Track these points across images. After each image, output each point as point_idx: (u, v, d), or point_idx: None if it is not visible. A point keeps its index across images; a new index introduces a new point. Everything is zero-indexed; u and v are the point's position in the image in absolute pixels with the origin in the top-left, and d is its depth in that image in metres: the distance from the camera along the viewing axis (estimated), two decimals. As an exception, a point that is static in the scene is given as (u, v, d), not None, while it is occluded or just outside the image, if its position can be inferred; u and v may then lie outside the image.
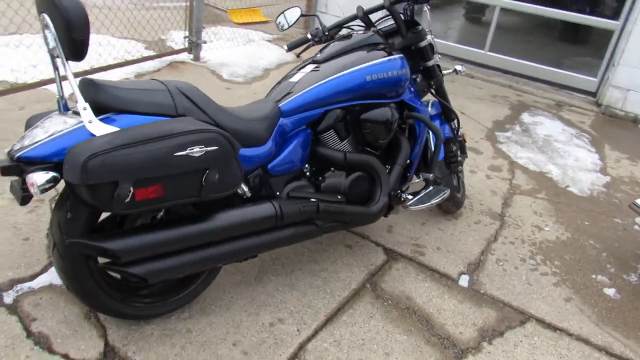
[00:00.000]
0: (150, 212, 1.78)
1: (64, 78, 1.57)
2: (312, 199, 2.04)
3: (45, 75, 3.77)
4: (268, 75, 4.90)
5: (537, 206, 3.20)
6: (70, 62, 1.56)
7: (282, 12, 2.46)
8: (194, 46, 4.83)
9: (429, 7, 2.49)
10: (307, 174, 2.14)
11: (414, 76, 2.54)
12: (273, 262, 2.38)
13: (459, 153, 2.78)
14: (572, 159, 3.97)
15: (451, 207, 2.83)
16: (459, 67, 2.69)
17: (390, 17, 2.38)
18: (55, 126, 1.56)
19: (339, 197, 2.15)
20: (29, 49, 4.28)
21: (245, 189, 1.89)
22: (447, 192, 2.43)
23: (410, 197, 2.35)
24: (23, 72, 3.98)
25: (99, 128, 1.53)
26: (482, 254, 2.66)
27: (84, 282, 1.70)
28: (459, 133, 2.82)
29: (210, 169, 1.57)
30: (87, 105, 1.54)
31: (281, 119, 2.03)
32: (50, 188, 1.47)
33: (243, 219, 1.79)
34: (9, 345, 1.77)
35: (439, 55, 2.56)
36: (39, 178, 1.43)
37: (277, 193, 2.01)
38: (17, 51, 4.22)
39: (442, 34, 6.43)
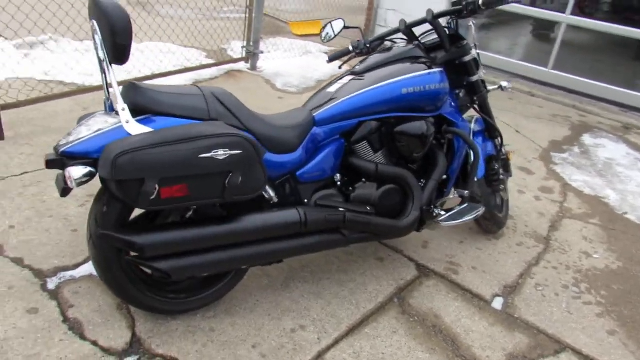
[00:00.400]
0: (179, 210, 1.86)
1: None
2: (340, 208, 2.05)
3: (117, 77, 4.01)
4: (320, 87, 4.96)
5: (587, 232, 3.04)
6: (115, 65, 1.66)
7: (327, 24, 2.50)
8: (251, 56, 4.98)
9: (474, 21, 2.45)
10: (338, 183, 2.15)
11: (457, 91, 2.50)
12: (302, 269, 2.40)
13: (501, 171, 2.70)
14: (634, 185, 3.74)
15: (491, 226, 2.75)
16: (504, 84, 2.63)
17: (434, 31, 2.36)
18: (98, 125, 1.67)
19: (368, 208, 2.15)
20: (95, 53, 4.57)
21: (272, 194, 1.93)
22: (482, 210, 2.37)
23: (443, 213, 2.31)
24: (90, 75, 4.26)
25: (135, 128, 1.62)
26: (520, 277, 2.56)
27: (114, 274, 1.79)
28: (503, 151, 2.74)
29: (233, 172, 1.62)
30: (125, 106, 1.64)
31: (314, 128, 2.06)
32: (86, 182, 1.57)
33: (267, 224, 1.83)
34: (45, 328, 1.90)
35: (484, 71, 2.51)
36: (75, 172, 1.53)
37: (305, 200, 2.03)
38: (85, 56, 4.52)
39: (505, 51, 6.27)
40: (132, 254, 1.73)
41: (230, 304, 2.13)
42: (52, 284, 2.11)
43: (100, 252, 1.76)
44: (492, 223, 2.72)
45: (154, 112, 1.71)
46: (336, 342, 2.03)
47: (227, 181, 1.62)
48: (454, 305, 2.31)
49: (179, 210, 1.87)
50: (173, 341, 1.92)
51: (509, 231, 2.94)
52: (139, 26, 4.86)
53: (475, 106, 2.59)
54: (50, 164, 1.60)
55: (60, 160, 1.61)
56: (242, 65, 5.07)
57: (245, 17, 4.82)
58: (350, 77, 2.24)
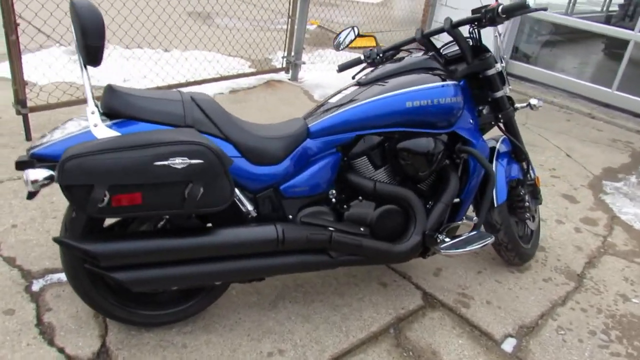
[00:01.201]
0: (149, 219, 1.78)
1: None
2: (329, 227, 1.90)
3: (154, 84, 4.09)
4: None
5: (630, 272, 2.69)
6: (92, 67, 1.61)
7: (340, 32, 2.37)
8: (292, 66, 4.93)
9: (499, 32, 2.24)
10: (333, 200, 2.00)
11: (481, 107, 2.28)
12: (296, 288, 2.26)
13: (527, 198, 2.44)
14: (697, 222, 3.31)
15: (513, 257, 2.48)
16: (534, 102, 2.38)
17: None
18: (72, 128, 1.62)
19: (362, 229, 1.98)
20: (139, 60, 4.70)
21: (250, 207, 1.81)
22: (490, 240, 2.12)
23: (447, 240, 2.09)
24: (135, 81, 4.36)
25: (102, 132, 1.56)
26: (541, 318, 2.28)
27: (80, 281, 1.74)
28: (531, 175, 2.48)
29: (194, 182, 1.52)
30: (95, 109, 1.59)
31: (307, 140, 1.93)
32: (45, 185, 1.51)
33: (238, 239, 1.71)
34: (16, 331, 1.87)
35: (510, 86, 2.28)
36: (32, 174, 1.48)
37: (290, 216, 1.89)
38: (129, 61, 4.63)
39: (569, 69, 5.88)
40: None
41: (210, 320, 2.02)
42: (37, 285, 2.09)
43: (67, 259, 1.70)
44: (514, 254, 2.45)
45: (128, 116, 1.65)
46: (314, 372, 1.87)
47: (186, 192, 1.52)
48: (457, 343, 2.09)
49: (151, 220, 1.79)
50: (141, 355, 1.84)
51: (536, 264, 2.65)
52: (191, 36, 4.96)
53: (500, 125, 2.36)
54: (19, 164, 1.57)
55: (30, 161, 1.57)
56: (282, 76, 5.03)
57: (287, 27, 4.77)
58: (355, 87, 2.09)
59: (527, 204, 2.42)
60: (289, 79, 5.00)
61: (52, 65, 4.17)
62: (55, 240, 1.58)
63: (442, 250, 2.04)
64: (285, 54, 4.87)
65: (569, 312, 2.34)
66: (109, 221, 1.82)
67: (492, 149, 2.42)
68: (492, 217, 2.34)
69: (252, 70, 5.06)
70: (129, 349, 1.85)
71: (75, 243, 1.55)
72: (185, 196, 1.52)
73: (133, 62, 4.73)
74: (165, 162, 1.46)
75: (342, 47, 2.34)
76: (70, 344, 1.85)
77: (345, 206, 2.00)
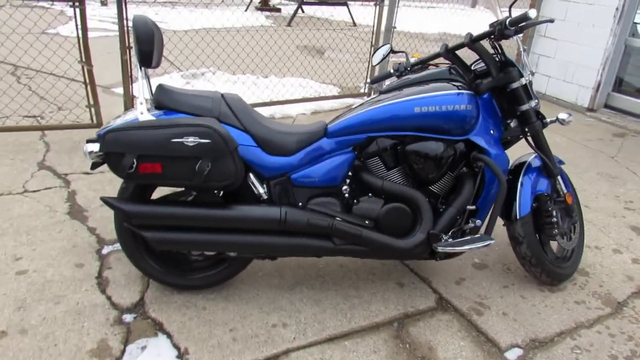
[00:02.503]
0: (181, 195, 2.14)
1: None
2: (333, 216, 2.11)
3: (257, 99, 4.64)
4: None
5: (684, 307, 2.49)
6: (147, 69, 2.03)
7: (377, 49, 2.60)
8: (373, 90, 5.20)
9: (524, 47, 2.31)
10: (346, 195, 2.21)
11: (509, 121, 2.36)
12: (316, 277, 2.47)
13: (556, 214, 2.42)
14: None
15: (539, 274, 2.45)
16: (563, 116, 2.38)
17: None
18: (129, 116, 2.06)
19: (367, 222, 2.16)
20: (243, 84, 5.29)
21: (262, 190, 2.09)
22: (489, 243, 2.15)
23: (450, 240, 2.18)
24: (245, 98, 4.94)
25: (145, 118, 1.97)
26: (558, 335, 2.23)
27: (127, 242, 2.14)
28: (562, 193, 2.46)
29: (202, 158, 1.84)
30: (143, 101, 2.00)
31: (324, 139, 2.18)
32: (100, 155, 1.94)
33: (244, 214, 2.00)
34: (81, 279, 2.32)
35: (536, 100, 2.32)
36: (89, 147, 1.91)
37: (300, 203, 2.14)
38: (234, 85, 5.25)
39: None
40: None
41: (231, 292, 2.32)
42: (106, 250, 2.56)
43: (117, 222, 2.12)
44: (539, 271, 2.42)
45: (171, 108, 2.04)
46: (309, 345, 2.06)
47: (197, 166, 1.85)
48: (458, 344, 2.14)
49: (184, 195, 2.15)
50: (167, 310, 2.18)
51: (573, 287, 2.57)
52: (293, 65, 5.48)
53: (529, 139, 2.40)
54: (89, 141, 2.02)
55: (96, 139, 2.02)
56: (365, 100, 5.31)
57: (370, 55, 5.07)
58: (376, 95, 2.31)
59: (554, 219, 2.40)
60: (373, 104, 5.26)
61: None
62: (101, 199, 2.00)
63: (438, 247, 2.13)
64: (368, 80, 5.16)
65: (593, 335, 2.26)
66: (155, 196, 2.22)
67: (524, 163, 2.46)
68: (514, 229, 2.37)
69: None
70: (159, 305, 2.21)
71: (114, 202, 1.96)
72: (196, 169, 1.85)
73: (238, 86, 5.34)
74: (180, 140, 1.81)
75: (377, 62, 2.57)
76: (117, 294, 2.25)
77: (355, 201, 2.20)
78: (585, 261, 2.80)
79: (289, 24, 9.82)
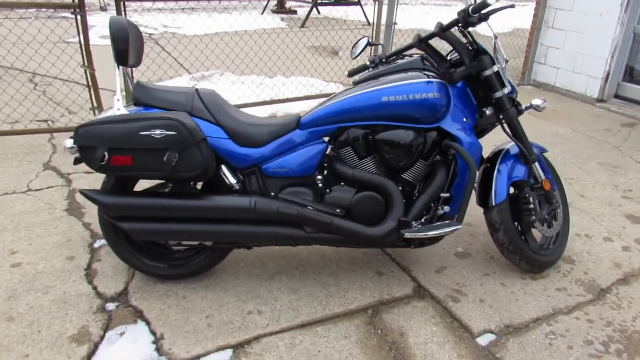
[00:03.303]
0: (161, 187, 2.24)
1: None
2: (305, 205, 2.16)
3: (260, 99, 4.73)
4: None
5: (672, 293, 2.45)
6: (126, 68, 2.13)
7: (356, 43, 2.65)
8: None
9: (495, 35, 2.32)
10: (320, 184, 2.26)
11: (485, 109, 2.37)
12: (297, 267, 2.53)
13: (534, 201, 2.42)
14: None
15: (518, 262, 2.44)
16: (537, 102, 2.38)
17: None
18: (109, 113, 2.16)
19: (338, 210, 2.20)
20: (253, 83, 5.40)
21: (234, 181, 2.16)
22: (457, 228, 2.17)
23: (420, 226, 2.21)
24: (247, 98, 5.03)
25: (122, 114, 2.06)
26: (535, 322, 2.23)
27: (110, 234, 2.24)
28: (540, 179, 2.45)
29: (170, 150, 1.93)
30: (120, 97, 2.10)
31: (296, 130, 2.24)
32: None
33: (215, 204, 2.07)
34: (70, 271, 2.44)
35: (510, 87, 2.32)
36: (67, 143, 2.02)
37: (272, 193, 2.20)
38: (236, 85, 5.36)
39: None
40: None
41: (212, 281, 2.40)
42: (98, 244, 2.68)
43: (100, 216, 2.22)
44: (519, 258, 2.42)
45: (147, 104, 2.14)
46: (282, 331, 2.12)
47: (165, 158, 1.93)
48: (430, 330, 2.17)
49: (161, 187, 2.24)
50: (149, 299, 2.27)
51: (557, 274, 2.56)
52: (302, 65, 5.55)
53: (505, 127, 2.40)
54: (71, 137, 2.13)
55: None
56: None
57: (370, 53, 5.10)
58: (350, 87, 2.35)
59: (531, 206, 2.39)
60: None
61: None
62: (81, 192, 2.11)
63: (406, 234, 2.16)
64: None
65: (571, 321, 2.25)
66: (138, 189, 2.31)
67: (502, 150, 2.47)
68: (491, 216, 2.38)
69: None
70: (141, 294, 2.30)
71: (92, 195, 2.06)
72: (164, 161, 1.94)
73: (247, 85, 5.44)
74: (148, 133, 1.90)
75: (355, 55, 2.61)
76: (103, 285, 2.36)
77: (328, 190, 2.25)
78: (573, 249, 2.78)
79: (303, 25, 9.92)
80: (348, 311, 2.26)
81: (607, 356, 2.06)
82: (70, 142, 2.02)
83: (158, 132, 1.91)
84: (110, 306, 2.23)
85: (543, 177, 2.46)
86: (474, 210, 2.94)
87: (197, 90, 2.18)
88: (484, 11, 2.09)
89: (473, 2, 2.16)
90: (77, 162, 2.14)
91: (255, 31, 7.72)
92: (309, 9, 10.74)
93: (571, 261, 2.67)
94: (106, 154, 1.92)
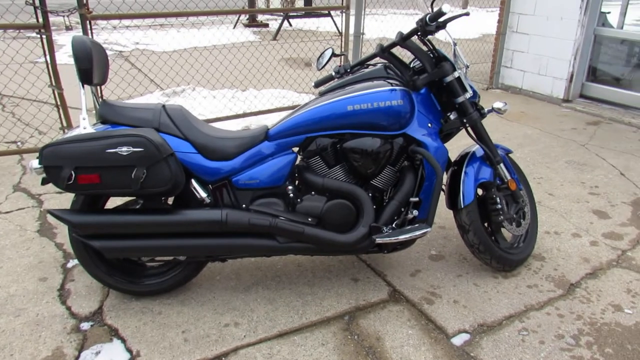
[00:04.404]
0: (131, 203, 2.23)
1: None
2: (276, 216, 2.18)
3: (232, 112, 4.73)
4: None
5: (636, 285, 2.53)
6: (88, 86, 2.13)
7: (321, 54, 2.69)
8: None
9: (454, 41, 2.39)
10: (291, 195, 2.28)
11: (449, 114, 2.43)
12: (273, 278, 2.54)
13: (501, 201, 2.48)
14: None
15: (489, 261, 2.50)
16: (498, 105, 2.45)
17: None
18: (75, 132, 2.15)
19: (309, 219, 2.23)
20: (224, 97, 5.40)
21: (204, 194, 2.17)
22: (426, 231, 2.22)
23: (390, 231, 2.24)
24: (219, 112, 5.04)
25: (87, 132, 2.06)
26: (507, 319, 2.28)
27: (81, 252, 2.22)
28: (505, 179, 2.51)
29: (137, 166, 1.93)
30: (86, 116, 2.09)
31: (265, 142, 2.26)
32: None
33: (186, 218, 2.08)
34: (42, 292, 2.41)
35: (471, 92, 2.38)
36: (33, 163, 2.01)
37: (243, 205, 2.22)
38: (208, 100, 5.37)
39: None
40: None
41: (188, 295, 2.39)
42: (71, 264, 2.65)
43: (70, 235, 2.21)
44: (489, 257, 2.48)
45: (114, 122, 2.14)
46: (259, 341, 2.13)
47: (132, 174, 1.94)
48: (406, 333, 2.20)
49: (132, 203, 2.24)
50: (124, 316, 2.26)
51: (527, 272, 2.62)
52: (272, 77, 5.55)
53: (469, 130, 2.46)
54: (37, 158, 2.12)
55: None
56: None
57: (340, 63, 5.17)
58: (316, 97, 2.39)
59: (498, 206, 2.45)
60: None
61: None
62: (48, 211, 2.09)
63: (377, 239, 2.20)
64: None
65: (542, 316, 2.30)
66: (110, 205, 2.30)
67: (468, 153, 2.53)
68: (460, 218, 2.43)
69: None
70: (116, 312, 2.29)
71: (59, 214, 2.05)
72: (132, 177, 1.94)
73: (219, 99, 5.45)
74: (114, 150, 1.90)
75: (320, 66, 2.65)
76: (76, 304, 2.33)
77: (299, 200, 2.27)
78: (543, 246, 2.85)
79: (274, 38, 9.97)
80: (324, 318, 2.27)
81: (578, 349, 2.11)
82: (35, 163, 2.01)
83: (124, 149, 1.91)
84: (85, 325, 2.21)
85: (508, 177, 2.52)
86: (447, 213, 3.01)
87: (163, 106, 2.19)
88: (440, 19, 2.15)
89: (430, 11, 2.22)
90: (44, 182, 2.13)
91: (224, 45, 7.73)
92: (279, 21, 10.81)
93: (541, 258, 2.74)
94: (73, 172, 1.92)
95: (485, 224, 2.53)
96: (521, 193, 2.60)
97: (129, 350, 2.07)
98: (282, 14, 11.00)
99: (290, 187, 2.28)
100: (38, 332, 2.16)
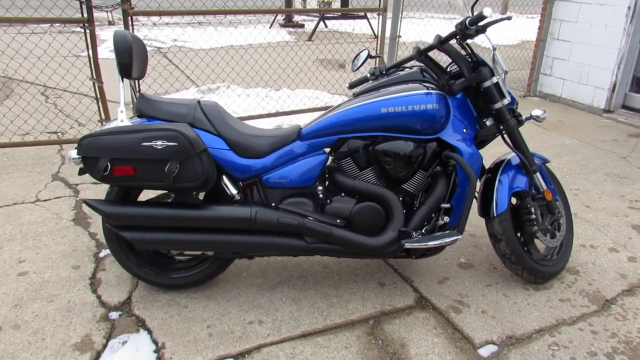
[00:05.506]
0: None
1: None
2: (305, 215, 2.18)
3: (265, 111, 4.77)
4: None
5: (677, 304, 2.43)
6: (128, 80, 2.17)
7: (356, 55, 2.67)
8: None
9: (494, 47, 2.34)
10: (320, 195, 2.28)
11: (485, 120, 2.38)
12: (299, 277, 2.54)
13: (535, 211, 2.41)
14: None
15: (520, 272, 2.43)
16: (537, 112, 2.39)
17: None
18: (113, 124, 2.20)
19: (338, 221, 2.21)
20: (258, 96, 5.45)
21: (234, 191, 2.18)
22: (457, 238, 2.17)
23: (420, 236, 2.21)
24: (252, 110, 5.09)
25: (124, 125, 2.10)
26: (537, 332, 2.22)
27: (113, 243, 2.27)
28: (541, 189, 2.45)
29: (170, 160, 1.96)
30: (123, 109, 2.14)
31: (297, 142, 2.26)
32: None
33: (216, 214, 2.09)
34: (75, 280, 2.47)
35: (509, 98, 2.33)
36: (71, 153, 2.06)
37: (273, 203, 2.22)
38: (241, 97, 5.41)
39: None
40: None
41: (214, 291, 2.41)
42: (103, 253, 2.71)
43: (104, 226, 2.25)
44: (520, 268, 2.42)
45: (150, 116, 2.17)
46: (282, 341, 2.13)
47: (166, 168, 1.96)
48: (431, 341, 2.16)
49: (164, 197, 2.27)
50: (151, 308, 2.29)
51: (560, 285, 2.55)
52: (305, 78, 5.58)
53: (506, 137, 2.41)
54: (75, 148, 2.17)
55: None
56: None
57: (375, 65, 5.14)
58: (351, 99, 2.38)
59: (532, 216, 2.39)
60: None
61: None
62: (84, 201, 2.14)
63: (406, 244, 2.17)
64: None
65: (574, 332, 2.23)
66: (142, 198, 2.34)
67: (503, 161, 2.47)
68: (493, 226, 2.38)
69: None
70: (144, 303, 2.32)
71: (94, 204, 2.09)
72: (165, 171, 1.97)
73: (252, 98, 5.50)
74: (149, 143, 1.93)
75: (355, 67, 2.64)
76: (106, 293, 2.38)
77: (328, 201, 2.27)
78: (577, 260, 2.76)
79: (309, 39, 10.00)
80: (349, 321, 2.26)
81: (610, 368, 2.04)
82: (74, 153, 2.06)
83: (159, 142, 1.94)
84: (114, 315, 2.25)
85: (544, 187, 2.46)
86: (478, 221, 2.95)
87: (198, 101, 2.22)
88: (480, 23, 2.11)
89: (470, 14, 2.18)
90: (81, 172, 2.18)
91: (260, 45, 7.80)
92: (315, 22, 10.84)
93: (575, 272, 2.66)
94: (109, 164, 1.96)
95: (518, 234, 2.47)
96: (557, 204, 2.53)
97: (155, 342, 2.10)
98: (318, 15, 11.02)
99: (320, 188, 2.28)
100: (69, 318, 2.21)
